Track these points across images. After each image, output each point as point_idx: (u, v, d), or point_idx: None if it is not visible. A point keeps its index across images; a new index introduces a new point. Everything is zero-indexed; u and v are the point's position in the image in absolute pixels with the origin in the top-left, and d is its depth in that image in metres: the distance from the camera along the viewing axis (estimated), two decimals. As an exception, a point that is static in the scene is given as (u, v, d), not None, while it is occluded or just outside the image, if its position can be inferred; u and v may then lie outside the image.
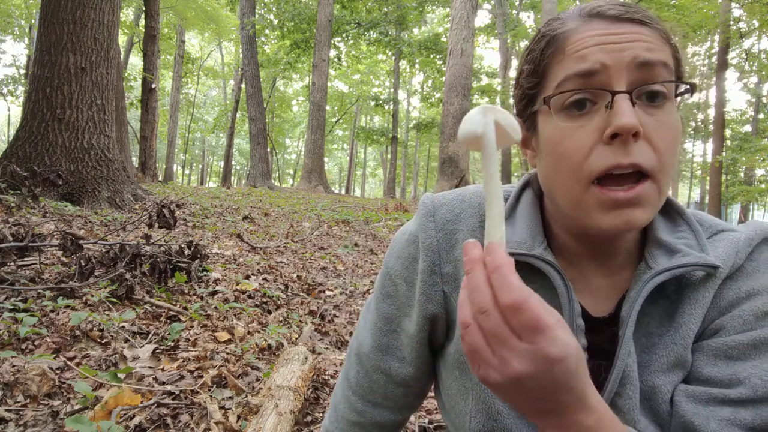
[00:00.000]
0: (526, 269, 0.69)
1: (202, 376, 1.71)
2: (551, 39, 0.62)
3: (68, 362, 1.64)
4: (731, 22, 13.83)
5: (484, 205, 0.73)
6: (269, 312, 2.67)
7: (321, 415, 1.66)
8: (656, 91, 0.58)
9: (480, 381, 0.48)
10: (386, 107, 27.19)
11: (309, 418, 1.62)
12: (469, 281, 0.46)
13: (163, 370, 1.74)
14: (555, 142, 0.61)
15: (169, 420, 1.45)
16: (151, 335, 2.01)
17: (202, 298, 2.58)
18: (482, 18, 27.23)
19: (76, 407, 1.42)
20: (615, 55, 0.57)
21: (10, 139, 5.01)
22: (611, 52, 0.58)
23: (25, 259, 2.57)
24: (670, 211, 0.72)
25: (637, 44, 0.58)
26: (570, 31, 0.61)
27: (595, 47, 0.58)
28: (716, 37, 15.91)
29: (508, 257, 0.46)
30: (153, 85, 11.06)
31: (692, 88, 0.61)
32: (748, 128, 23.07)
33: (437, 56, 21.91)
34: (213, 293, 2.68)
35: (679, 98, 0.62)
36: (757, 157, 16.15)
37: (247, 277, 3.19)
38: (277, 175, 31.63)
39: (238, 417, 1.48)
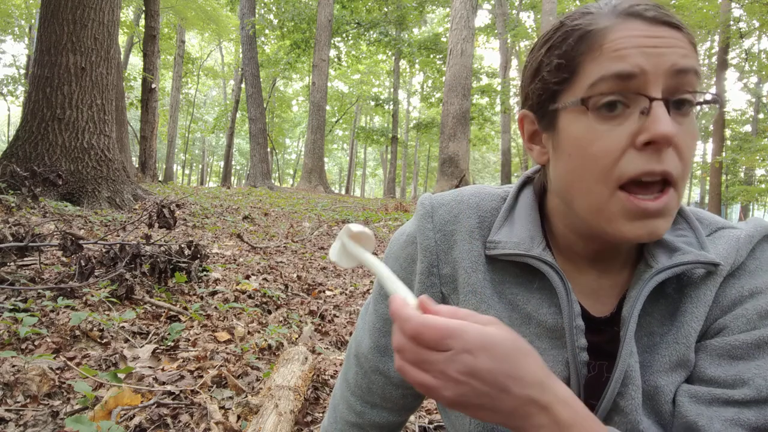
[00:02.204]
0: (525, 269, 0.69)
1: (202, 376, 1.71)
2: (585, 34, 0.59)
3: (68, 362, 1.64)
4: (731, 22, 13.82)
5: (483, 206, 0.73)
6: (269, 312, 2.67)
7: (321, 415, 1.66)
8: (685, 99, 0.58)
9: (449, 408, 0.53)
10: (386, 107, 27.18)
11: (309, 418, 1.62)
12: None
13: (163, 370, 1.74)
14: (585, 143, 0.59)
15: (169, 420, 1.45)
16: (151, 335, 2.01)
17: (202, 298, 2.58)
18: (482, 18, 27.19)
19: (76, 407, 1.42)
20: (654, 60, 0.56)
21: (10, 139, 5.01)
22: (651, 57, 0.56)
23: (25, 259, 2.57)
24: None
25: (675, 50, 0.57)
26: (607, 28, 0.58)
27: (635, 49, 0.56)
28: (716, 37, 15.90)
29: (401, 300, 0.51)
30: (153, 85, 11.06)
31: (719, 100, 0.61)
32: (748, 128, 23.05)
33: (437, 56, 21.91)
34: (213, 293, 2.68)
35: (699, 107, 0.61)
36: (757, 157, 16.14)
37: (247, 277, 3.19)
38: (277, 175, 31.62)
39: (238, 417, 1.48)
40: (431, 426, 1.61)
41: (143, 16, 12.52)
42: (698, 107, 0.61)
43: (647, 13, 0.58)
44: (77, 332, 1.86)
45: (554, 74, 0.62)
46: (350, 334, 2.55)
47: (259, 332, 2.27)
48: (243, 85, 18.47)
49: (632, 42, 0.57)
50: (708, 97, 0.60)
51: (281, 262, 4.05)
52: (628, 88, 0.56)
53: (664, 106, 0.56)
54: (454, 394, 0.47)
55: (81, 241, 2.50)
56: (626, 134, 0.57)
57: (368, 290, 3.51)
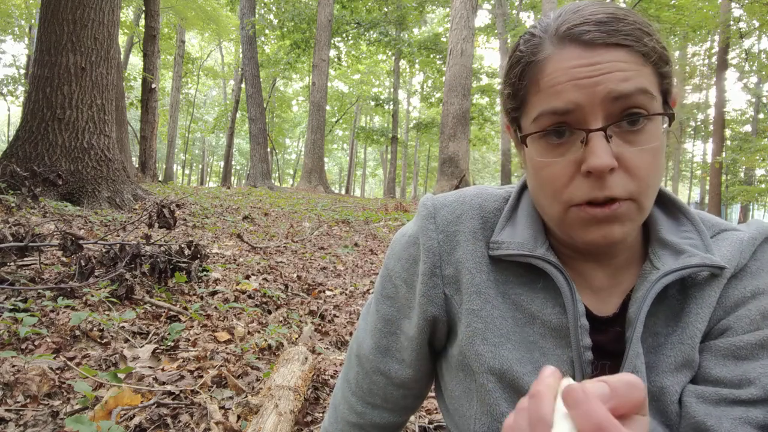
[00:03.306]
0: (529, 269, 0.69)
1: (202, 376, 1.71)
2: (526, 66, 0.61)
3: (68, 362, 1.64)
4: (731, 22, 13.82)
5: (486, 207, 0.73)
6: (269, 312, 2.67)
7: (321, 415, 1.66)
8: (635, 117, 0.57)
9: None
10: (386, 107, 27.18)
11: (309, 418, 1.62)
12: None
13: (163, 370, 1.74)
14: (537, 168, 0.63)
15: (169, 420, 1.45)
16: (151, 335, 2.01)
17: (202, 298, 2.58)
18: (482, 18, 27.19)
19: (76, 407, 1.42)
20: (588, 90, 0.56)
21: (10, 139, 5.01)
22: (584, 89, 0.56)
23: (25, 259, 2.57)
24: (673, 209, 0.71)
25: (612, 75, 0.56)
26: (544, 60, 0.59)
27: (569, 83, 0.57)
28: (716, 37, 15.90)
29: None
30: (153, 85, 11.06)
31: (670, 118, 0.61)
32: (748, 128, 23.04)
33: (437, 56, 21.91)
34: (213, 293, 2.68)
35: (664, 118, 0.61)
36: (757, 157, 16.14)
37: (247, 277, 3.19)
38: (277, 175, 31.63)
39: (238, 417, 1.48)
40: (431, 426, 1.61)
41: (143, 16, 12.52)
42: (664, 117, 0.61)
43: (583, 37, 0.57)
44: (77, 332, 1.86)
45: (509, 102, 0.66)
46: (350, 334, 2.55)
47: (259, 332, 2.27)
48: (243, 85, 18.48)
49: (565, 76, 0.58)
50: (662, 114, 0.60)
51: (281, 262, 4.05)
52: (566, 121, 0.58)
53: (604, 134, 0.57)
54: None
55: (81, 241, 2.50)
56: (571, 162, 0.59)
57: (368, 290, 3.51)
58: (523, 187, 0.75)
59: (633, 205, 0.59)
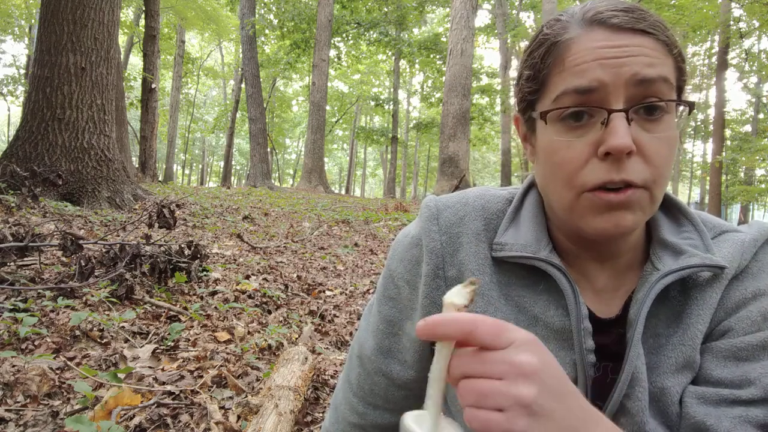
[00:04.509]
0: (532, 271, 0.69)
1: (202, 376, 1.71)
2: (551, 46, 0.61)
3: (68, 362, 1.64)
4: (731, 22, 13.82)
5: (488, 208, 0.73)
6: (269, 312, 2.67)
7: (321, 415, 1.66)
8: (654, 106, 0.58)
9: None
10: (386, 107, 27.19)
11: (309, 418, 1.62)
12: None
13: (163, 370, 1.74)
14: (551, 152, 0.62)
15: (169, 420, 1.45)
16: (151, 335, 2.01)
17: (202, 298, 2.58)
18: (482, 18, 27.17)
19: (76, 407, 1.42)
20: (614, 71, 0.57)
21: (10, 139, 5.01)
22: (610, 68, 0.57)
23: (25, 259, 2.57)
24: (674, 211, 0.71)
25: (638, 59, 0.57)
26: (570, 40, 0.60)
27: (594, 62, 0.57)
28: (716, 37, 15.91)
29: (441, 317, 0.45)
30: (153, 85, 11.06)
31: (690, 107, 0.61)
32: (748, 128, 23.05)
33: (437, 56, 21.91)
34: (213, 293, 2.68)
35: (679, 111, 0.62)
36: (757, 157, 16.13)
37: (247, 277, 3.19)
38: (277, 175, 31.62)
39: (238, 417, 1.48)
40: (432, 426, 1.61)
41: (143, 16, 12.52)
42: (679, 111, 0.62)
43: (611, 20, 0.58)
44: (77, 332, 1.86)
45: (527, 84, 0.65)
46: (350, 334, 2.55)
47: (259, 332, 2.27)
48: (243, 85, 18.48)
49: (592, 55, 0.58)
50: (681, 104, 0.61)
51: (281, 262, 4.04)
52: (589, 101, 0.58)
53: (625, 116, 0.57)
54: (530, 393, 0.42)
55: (81, 241, 2.50)
56: (589, 144, 0.59)
57: (369, 290, 3.51)
58: (528, 189, 0.75)
59: (646, 194, 0.59)
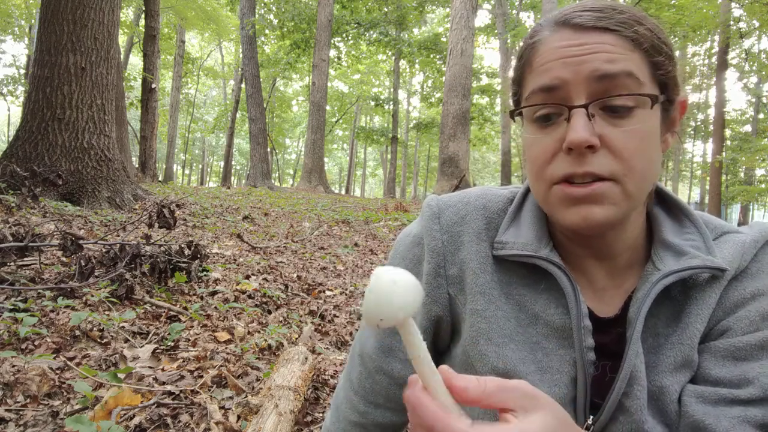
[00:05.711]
0: (532, 270, 0.69)
1: (202, 376, 1.71)
2: (525, 49, 0.65)
3: (68, 362, 1.64)
4: (731, 22, 13.81)
5: (490, 207, 0.74)
6: (269, 312, 2.67)
7: (321, 415, 1.66)
8: (618, 104, 0.59)
9: None
10: (386, 107, 27.19)
11: (309, 418, 1.62)
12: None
13: (163, 370, 1.74)
14: (526, 147, 0.66)
15: (169, 420, 1.45)
16: (151, 335, 2.00)
17: (202, 298, 2.58)
18: (482, 18, 27.20)
19: (76, 407, 1.42)
20: (574, 68, 0.59)
21: (10, 139, 5.01)
22: (571, 66, 0.59)
23: (25, 259, 2.57)
24: (676, 211, 0.72)
25: (598, 56, 0.58)
26: (539, 42, 0.63)
27: (557, 61, 0.60)
28: (716, 37, 15.90)
29: (442, 410, 0.42)
30: (153, 85, 11.06)
31: (653, 100, 0.60)
32: (748, 128, 23.06)
33: (437, 56, 21.91)
34: (213, 293, 2.68)
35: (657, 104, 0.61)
36: (757, 157, 16.14)
37: (247, 277, 3.19)
38: (277, 175, 31.62)
39: (238, 417, 1.48)
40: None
41: (143, 16, 12.52)
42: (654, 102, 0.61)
43: (575, 20, 0.61)
44: (77, 332, 1.86)
45: (512, 87, 0.70)
46: (350, 334, 2.55)
47: (259, 332, 2.27)
48: (243, 85, 18.48)
49: (555, 54, 0.61)
50: (652, 95, 0.60)
51: (281, 262, 4.04)
52: (552, 98, 0.61)
53: (585, 113, 0.58)
54: None
55: (81, 241, 2.50)
56: (555, 140, 0.61)
57: (368, 290, 3.51)
58: (528, 189, 0.76)
59: (616, 187, 0.59)
